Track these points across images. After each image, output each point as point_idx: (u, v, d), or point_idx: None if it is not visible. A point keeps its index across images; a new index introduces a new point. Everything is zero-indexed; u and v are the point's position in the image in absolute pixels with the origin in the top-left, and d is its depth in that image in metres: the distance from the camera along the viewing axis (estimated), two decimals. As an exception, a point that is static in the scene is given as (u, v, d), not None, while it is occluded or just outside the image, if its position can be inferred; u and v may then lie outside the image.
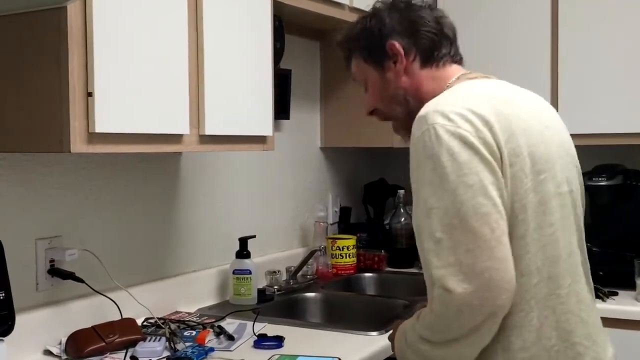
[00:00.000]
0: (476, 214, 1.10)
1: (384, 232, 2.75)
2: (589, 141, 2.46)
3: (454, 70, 1.35)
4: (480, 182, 1.11)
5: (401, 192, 2.73)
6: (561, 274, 1.20)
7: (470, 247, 1.09)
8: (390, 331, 1.41)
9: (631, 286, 2.23)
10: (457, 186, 1.11)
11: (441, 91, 1.30)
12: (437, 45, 1.35)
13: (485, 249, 1.09)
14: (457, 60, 1.38)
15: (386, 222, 2.79)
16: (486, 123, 1.16)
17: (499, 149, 1.15)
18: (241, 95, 1.72)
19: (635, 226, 2.43)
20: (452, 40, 1.37)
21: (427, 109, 1.19)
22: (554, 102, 2.50)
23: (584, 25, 2.44)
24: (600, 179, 2.38)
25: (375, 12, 1.38)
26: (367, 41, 1.37)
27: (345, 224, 2.75)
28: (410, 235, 2.66)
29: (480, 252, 1.09)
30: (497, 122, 1.17)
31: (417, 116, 1.20)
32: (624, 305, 2.16)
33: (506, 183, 1.14)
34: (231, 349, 1.60)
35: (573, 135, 2.44)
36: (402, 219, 2.72)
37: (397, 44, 1.33)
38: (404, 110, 1.36)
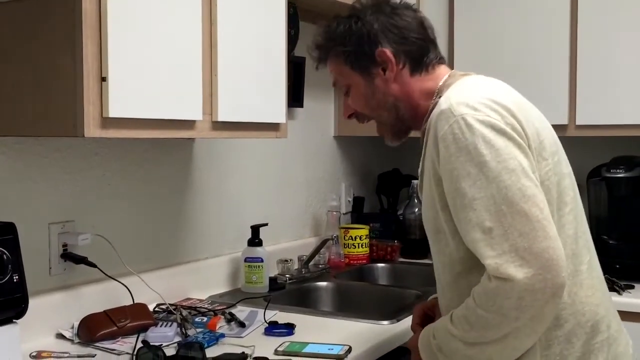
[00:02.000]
0: (524, 196, 1.11)
1: (397, 223, 2.75)
2: (607, 132, 2.46)
3: (442, 70, 1.35)
4: (520, 165, 1.13)
5: (415, 182, 2.72)
6: (580, 251, 1.24)
7: (524, 230, 1.09)
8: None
9: (648, 280, 2.23)
10: (500, 172, 1.12)
11: (433, 93, 1.31)
12: (425, 50, 1.34)
13: (540, 229, 1.10)
14: (442, 61, 1.37)
15: (400, 212, 2.80)
16: (508, 110, 1.18)
17: (525, 133, 1.18)
18: (254, 81, 1.73)
19: (653, 219, 2.42)
20: (435, 44, 1.37)
21: (448, 102, 1.20)
22: (572, 94, 2.49)
23: (602, 17, 2.42)
24: (618, 170, 2.37)
25: (358, 14, 1.34)
26: (353, 46, 1.32)
27: (358, 214, 2.76)
28: (423, 226, 2.69)
29: (535, 233, 1.10)
30: (515, 109, 1.20)
31: (440, 111, 1.21)
32: (640, 298, 2.15)
33: (535, 166, 1.18)
34: (242, 335, 1.62)
35: (591, 127, 2.47)
36: (416, 210, 2.71)
37: (387, 52, 1.30)
38: (393, 115, 1.35)
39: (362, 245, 2.54)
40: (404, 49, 1.32)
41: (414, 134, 1.41)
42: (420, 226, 2.73)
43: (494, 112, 1.17)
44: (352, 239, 2.53)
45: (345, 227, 2.57)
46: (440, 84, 1.31)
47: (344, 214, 2.69)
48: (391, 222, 2.75)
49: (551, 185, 1.20)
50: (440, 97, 1.28)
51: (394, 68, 1.31)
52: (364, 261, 2.55)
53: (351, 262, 2.52)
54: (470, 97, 1.19)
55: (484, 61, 2.59)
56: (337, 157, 2.76)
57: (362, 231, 2.55)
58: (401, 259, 2.65)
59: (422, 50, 1.33)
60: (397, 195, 2.91)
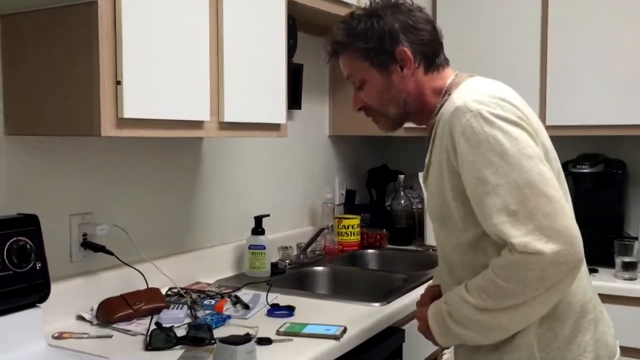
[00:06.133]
0: (543, 180, 1.08)
1: (385, 213, 2.71)
2: (574, 132, 2.43)
3: (448, 72, 1.31)
4: (535, 152, 1.11)
5: (401, 176, 2.69)
6: None
7: (546, 211, 1.06)
8: (416, 319, 1.36)
9: (611, 264, 2.20)
10: (520, 159, 1.09)
11: (441, 91, 1.27)
12: (437, 52, 1.29)
13: (559, 209, 1.07)
14: (448, 62, 1.33)
15: (387, 204, 2.76)
16: (515, 106, 1.16)
17: (532, 128, 1.16)
18: (257, 86, 1.68)
19: (615, 210, 2.40)
20: (442, 45, 1.32)
21: (462, 99, 1.16)
22: (543, 97, 2.46)
23: (569, 29, 2.40)
24: (583, 166, 2.35)
25: (379, 12, 1.26)
26: (375, 43, 1.25)
27: (350, 205, 2.71)
28: (408, 216, 2.66)
29: (556, 213, 1.06)
30: (520, 106, 1.17)
31: (455, 107, 1.16)
32: (604, 281, 2.13)
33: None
34: (247, 317, 1.57)
35: (560, 127, 2.45)
36: (402, 201, 2.68)
37: (407, 51, 1.25)
38: (399, 111, 1.30)
39: (354, 234, 2.50)
40: (421, 49, 1.26)
41: (401, 133, 1.37)
42: (405, 216, 2.70)
43: (505, 107, 1.14)
44: (345, 227, 2.49)
45: (339, 217, 2.52)
46: (448, 82, 1.27)
47: (337, 205, 2.64)
48: (380, 213, 2.71)
49: (555, 175, 1.16)
50: (449, 94, 1.23)
51: (411, 66, 1.26)
52: (356, 248, 2.51)
53: (344, 248, 2.48)
54: (482, 95, 1.16)
55: (463, 67, 2.54)
56: (332, 154, 2.71)
57: (354, 221, 2.51)
58: (389, 246, 2.60)
59: (434, 51, 1.28)
60: (385, 188, 2.87)
